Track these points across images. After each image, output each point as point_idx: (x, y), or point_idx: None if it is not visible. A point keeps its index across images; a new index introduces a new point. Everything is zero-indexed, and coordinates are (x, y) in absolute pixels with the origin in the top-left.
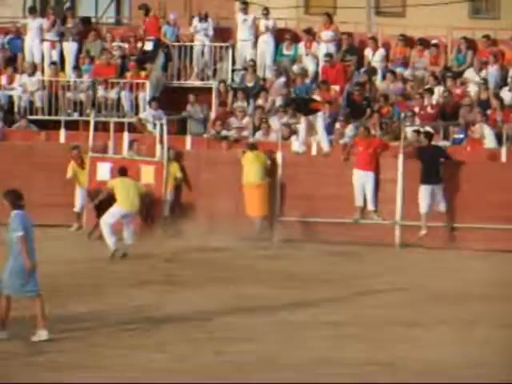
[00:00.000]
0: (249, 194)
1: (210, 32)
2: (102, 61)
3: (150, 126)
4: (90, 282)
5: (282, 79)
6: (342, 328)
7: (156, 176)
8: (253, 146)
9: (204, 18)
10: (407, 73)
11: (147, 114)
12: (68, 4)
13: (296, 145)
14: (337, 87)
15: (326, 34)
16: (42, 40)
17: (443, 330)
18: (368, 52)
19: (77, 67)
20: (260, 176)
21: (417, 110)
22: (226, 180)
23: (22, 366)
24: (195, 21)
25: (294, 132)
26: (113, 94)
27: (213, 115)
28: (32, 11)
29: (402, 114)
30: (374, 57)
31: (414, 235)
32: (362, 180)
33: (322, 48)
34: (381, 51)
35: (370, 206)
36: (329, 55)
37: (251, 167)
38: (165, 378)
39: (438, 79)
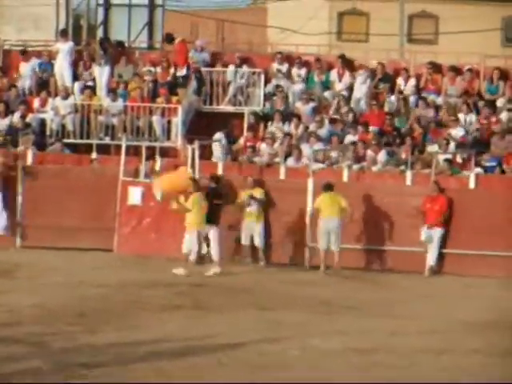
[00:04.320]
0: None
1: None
2: (133, 85)
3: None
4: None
5: (313, 105)
6: (370, 355)
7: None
8: (328, 187)
9: (239, 66)
10: (439, 100)
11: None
12: (101, 29)
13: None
14: (376, 128)
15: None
16: (74, 63)
17: (475, 358)
18: (400, 81)
19: (109, 91)
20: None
21: (448, 137)
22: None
23: None
24: (231, 67)
25: (327, 158)
26: (144, 119)
27: (244, 140)
28: (63, 34)
29: (434, 142)
30: (406, 86)
31: None
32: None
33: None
34: (412, 80)
35: (431, 262)
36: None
37: (329, 209)
38: None
39: (470, 107)
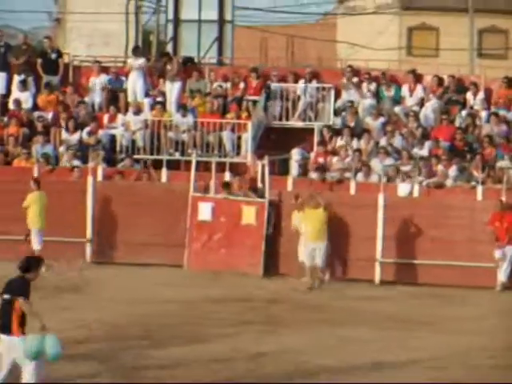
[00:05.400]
0: None
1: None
2: (203, 101)
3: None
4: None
5: (383, 120)
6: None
7: (257, 216)
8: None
9: (309, 81)
10: (511, 115)
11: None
12: (171, 44)
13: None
14: (446, 143)
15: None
16: (144, 79)
17: None
18: (469, 96)
19: (179, 107)
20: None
21: None
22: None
23: None
24: (301, 83)
25: (398, 173)
26: (214, 135)
27: (314, 156)
28: (135, 51)
29: (506, 157)
30: (476, 100)
31: None
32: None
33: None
34: (481, 94)
35: (502, 278)
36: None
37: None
38: None
39: None
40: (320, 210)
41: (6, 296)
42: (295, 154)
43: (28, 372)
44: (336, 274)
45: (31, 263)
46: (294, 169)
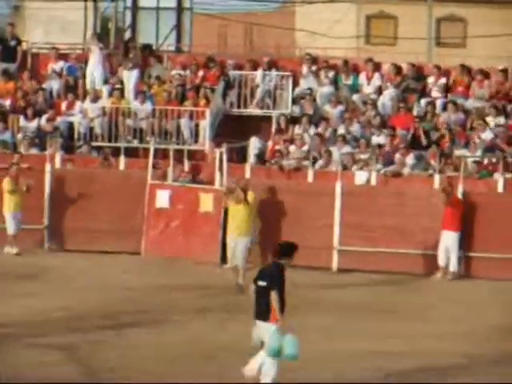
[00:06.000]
0: None
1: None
2: (162, 88)
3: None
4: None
5: (341, 108)
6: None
7: (215, 204)
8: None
9: (267, 69)
10: (468, 103)
11: None
12: (129, 32)
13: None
14: (404, 132)
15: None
16: (103, 66)
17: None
18: (430, 80)
19: (138, 94)
20: None
21: (477, 141)
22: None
23: None
24: (259, 73)
25: (356, 162)
26: (172, 122)
27: (272, 144)
28: (96, 37)
29: (462, 145)
30: (435, 86)
31: None
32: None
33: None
34: (442, 80)
35: (452, 267)
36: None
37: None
38: None
39: (499, 110)
40: (241, 206)
41: (262, 283)
42: (253, 143)
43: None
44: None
45: (286, 248)
46: (252, 157)
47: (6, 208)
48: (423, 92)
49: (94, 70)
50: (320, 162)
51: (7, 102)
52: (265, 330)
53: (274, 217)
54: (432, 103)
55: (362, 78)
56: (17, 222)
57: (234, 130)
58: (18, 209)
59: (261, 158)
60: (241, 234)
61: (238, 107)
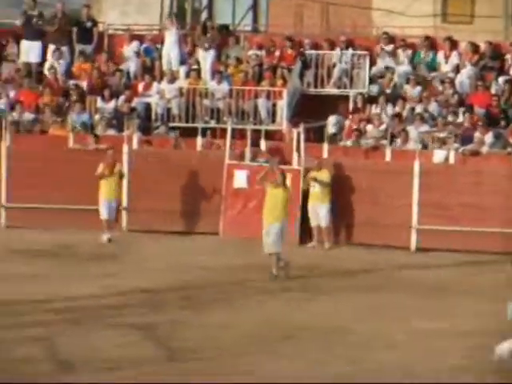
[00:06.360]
0: None
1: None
2: (239, 69)
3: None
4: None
5: (419, 88)
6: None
7: (293, 184)
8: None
9: (344, 48)
10: None
11: None
12: (205, 12)
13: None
14: (482, 110)
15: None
16: (180, 47)
17: None
18: (508, 58)
19: (215, 75)
20: None
21: None
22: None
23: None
24: (336, 52)
25: (434, 140)
26: (249, 102)
27: (349, 123)
28: (172, 18)
29: None
30: None
31: None
32: None
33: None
34: None
35: None
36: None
37: None
38: None
39: None
40: (280, 189)
41: None
42: (332, 121)
43: None
44: (370, 240)
45: None
46: (330, 136)
47: (101, 194)
48: (501, 70)
49: (171, 51)
50: (397, 141)
51: (84, 84)
52: None
53: (352, 196)
54: (510, 81)
55: (440, 56)
56: (110, 208)
57: (310, 109)
58: (113, 195)
59: (338, 137)
60: (275, 220)
61: (315, 87)
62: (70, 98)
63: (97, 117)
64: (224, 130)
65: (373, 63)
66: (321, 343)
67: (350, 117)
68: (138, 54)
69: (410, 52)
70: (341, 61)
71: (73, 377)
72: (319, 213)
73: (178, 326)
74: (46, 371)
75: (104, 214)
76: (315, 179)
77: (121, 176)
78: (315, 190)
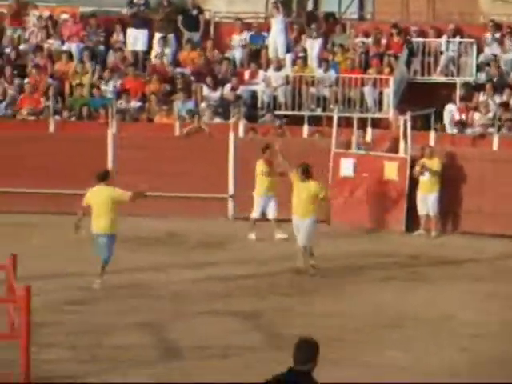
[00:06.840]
0: None
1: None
2: (345, 56)
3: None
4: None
5: None
6: None
7: (399, 172)
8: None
9: (452, 36)
10: None
11: None
12: (311, 0)
13: None
14: None
15: None
16: (286, 35)
17: None
18: None
19: (321, 62)
20: None
21: None
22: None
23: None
24: (443, 40)
25: None
26: (356, 90)
27: (457, 111)
28: (277, 6)
29: None
30: None
31: None
32: None
33: None
34: None
35: None
36: None
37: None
38: (408, 378)
39: None
40: (311, 183)
41: None
42: (448, 109)
43: None
44: (478, 229)
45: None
46: (447, 124)
47: (257, 191)
48: None
49: (277, 39)
50: (504, 130)
51: (190, 71)
52: None
53: (459, 185)
54: None
55: None
56: (271, 205)
57: (417, 97)
58: (271, 192)
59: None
60: (304, 215)
61: (422, 75)
62: (176, 86)
63: (203, 105)
64: (330, 118)
65: (480, 51)
66: (427, 332)
67: (457, 105)
68: (244, 42)
69: None
70: (448, 49)
71: (179, 363)
72: (428, 201)
73: (284, 314)
74: (154, 358)
75: (256, 212)
76: (425, 167)
77: (282, 174)
78: (425, 178)
